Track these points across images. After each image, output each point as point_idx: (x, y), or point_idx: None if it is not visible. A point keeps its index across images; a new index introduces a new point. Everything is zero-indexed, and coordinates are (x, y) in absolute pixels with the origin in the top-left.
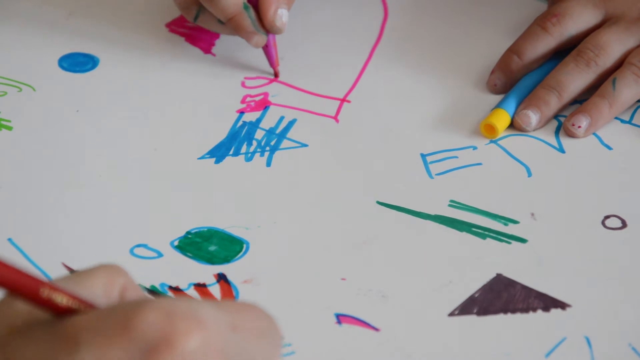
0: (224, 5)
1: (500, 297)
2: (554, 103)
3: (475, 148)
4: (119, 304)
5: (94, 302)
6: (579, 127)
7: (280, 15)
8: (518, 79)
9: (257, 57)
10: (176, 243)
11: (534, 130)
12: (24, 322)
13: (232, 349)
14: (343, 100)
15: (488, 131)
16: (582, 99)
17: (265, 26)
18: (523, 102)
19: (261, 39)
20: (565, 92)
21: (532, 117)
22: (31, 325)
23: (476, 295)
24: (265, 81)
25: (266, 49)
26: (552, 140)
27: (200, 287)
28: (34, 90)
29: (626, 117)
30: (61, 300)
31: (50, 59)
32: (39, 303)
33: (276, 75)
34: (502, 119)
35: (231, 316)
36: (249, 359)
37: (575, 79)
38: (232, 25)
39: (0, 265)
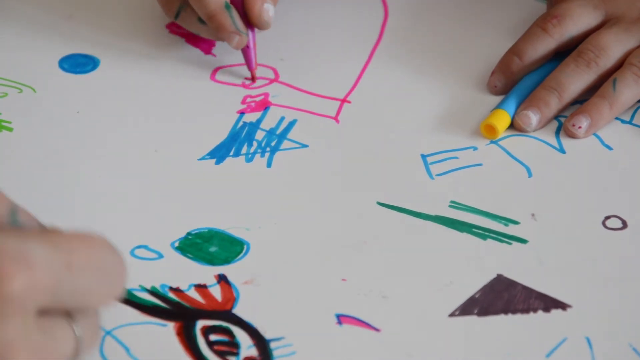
0: (207, 2)
1: (501, 297)
2: (554, 104)
3: (475, 149)
4: None
5: None
6: (580, 127)
7: (267, 10)
8: (518, 80)
9: (258, 57)
10: (177, 244)
11: (534, 131)
12: None
13: (64, 287)
14: (343, 100)
15: (488, 132)
16: (582, 100)
17: (252, 21)
18: (523, 102)
19: (242, 39)
20: (565, 92)
21: (533, 117)
22: None
23: (477, 295)
24: (266, 82)
25: (246, 50)
26: (553, 140)
27: (201, 287)
28: (34, 91)
29: (626, 118)
30: None
31: (50, 60)
32: None
33: (253, 79)
34: (502, 120)
35: (66, 255)
36: (85, 297)
37: (575, 79)
38: (213, 24)
39: None
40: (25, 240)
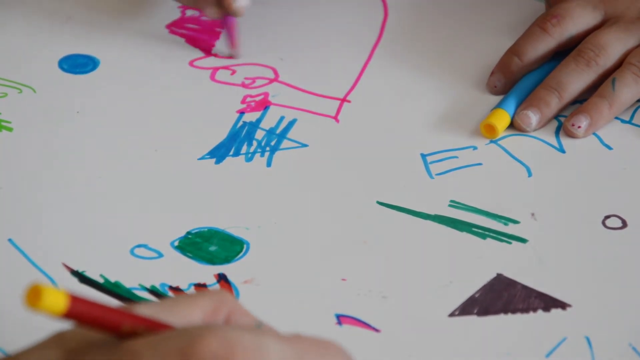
0: None
1: (501, 297)
2: (554, 103)
3: (475, 148)
4: (186, 327)
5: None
6: (579, 127)
7: None
8: (518, 80)
9: (258, 57)
10: (176, 243)
11: (534, 130)
12: (78, 344)
13: None
14: (343, 100)
15: (488, 131)
16: (582, 99)
17: (224, 6)
18: (523, 102)
19: (215, 11)
20: (565, 92)
21: (532, 117)
22: (89, 346)
23: (476, 295)
24: (265, 81)
25: (227, 29)
26: (553, 140)
27: (201, 287)
28: (34, 91)
29: (626, 117)
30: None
31: (50, 60)
32: (112, 333)
33: (234, 56)
34: (502, 119)
35: (299, 353)
36: None
37: (575, 79)
38: None
39: (87, 305)
40: (262, 335)
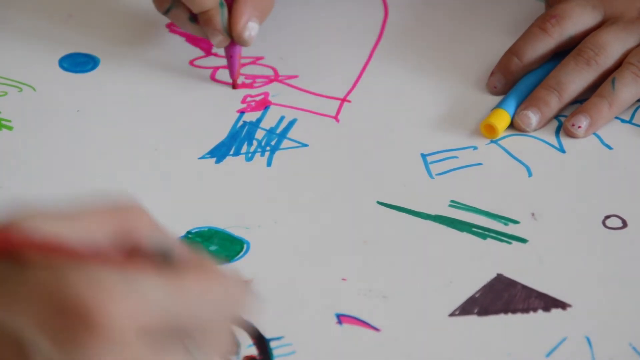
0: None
1: (501, 297)
2: (554, 103)
3: (475, 148)
4: (56, 267)
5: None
6: (579, 127)
7: (250, 28)
8: (518, 80)
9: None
10: None
11: (534, 130)
12: None
13: (172, 320)
14: (343, 100)
15: (488, 131)
16: (582, 99)
17: (233, 36)
18: (523, 102)
19: (224, 40)
20: (565, 92)
21: (532, 117)
22: None
23: (477, 295)
24: (265, 80)
25: (230, 58)
26: (553, 140)
27: None
28: (34, 90)
29: (626, 117)
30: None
31: (50, 59)
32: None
33: (235, 86)
34: (502, 119)
35: (176, 286)
36: (197, 331)
37: (575, 78)
38: (203, 17)
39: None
40: (131, 272)
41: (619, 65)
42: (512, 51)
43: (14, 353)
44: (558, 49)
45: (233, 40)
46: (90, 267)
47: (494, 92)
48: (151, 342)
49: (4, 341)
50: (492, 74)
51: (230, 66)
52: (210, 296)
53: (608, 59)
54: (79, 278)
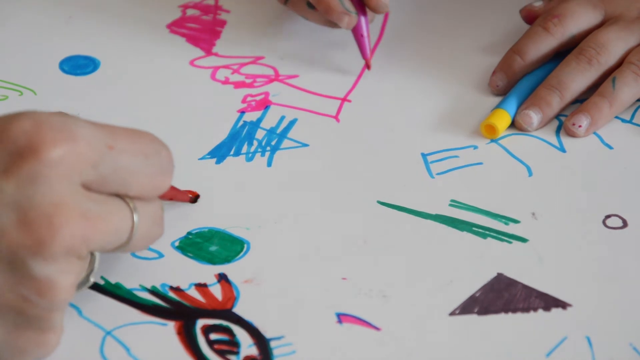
0: None
1: (501, 296)
2: (555, 103)
3: (476, 147)
4: (3, 115)
5: None
6: (580, 126)
7: None
8: (520, 77)
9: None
10: (177, 243)
11: (535, 130)
12: None
13: (106, 164)
14: (344, 99)
15: (489, 131)
16: (582, 99)
17: (370, 5)
18: (525, 102)
19: (352, 19)
20: (567, 91)
21: (534, 117)
22: None
23: (477, 294)
24: (265, 80)
25: (360, 38)
26: (553, 139)
27: (201, 287)
28: (35, 93)
29: (627, 117)
30: None
31: (51, 62)
32: None
33: (368, 67)
34: (502, 119)
35: (110, 136)
36: (129, 178)
37: (576, 77)
38: (321, 6)
39: None
40: (71, 118)
41: (619, 64)
42: (515, 50)
43: None
44: (560, 48)
45: (364, 12)
46: (38, 112)
47: (496, 91)
48: (93, 195)
49: None
50: (494, 73)
51: (363, 46)
52: (138, 145)
53: (609, 58)
54: (25, 120)
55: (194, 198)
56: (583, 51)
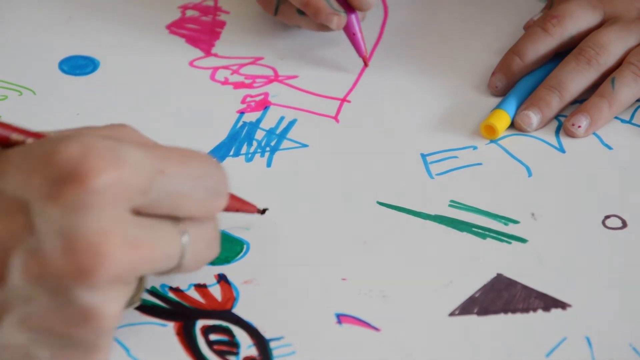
0: None
1: (501, 297)
2: (555, 103)
3: (475, 148)
4: (56, 135)
5: None
6: (579, 127)
7: None
8: (519, 78)
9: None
10: None
11: (534, 131)
12: None
13: (156, 190)
14: (343, 100)
15: (488, 132)
16: (582, 99)
17: (353, 3)
18: (524, 102)
19: (341, 19)
20: (566, 91)
21: (533, 117)
22: None
23: (476, 295)
24: (265, 80)
25: (352, 36)
26: (553, 140)
27: (201, 287)
28: (34, 93)
29: (626, 117)
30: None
31: (50, 62)
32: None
33: (366, 63)
34: (502, 120)
35: (161, 160)
36: (181, 202)
37: (576, 78)
38: (310, 10)
39: None
40: (121, 143)
41: (619, 65)
42: (514, 51)
43: (20, 216)
44: (559, 49)
45: (352, 10)
46: (86, 134)
47: (495, 92)
48: (141, 221)
49: (13, 206)
50: (493, 74)
51: (357, 43)
52: (189, 169)
53: (609, 58)
54: (73, 145)
55: (263, 210)
56: (582, 52)
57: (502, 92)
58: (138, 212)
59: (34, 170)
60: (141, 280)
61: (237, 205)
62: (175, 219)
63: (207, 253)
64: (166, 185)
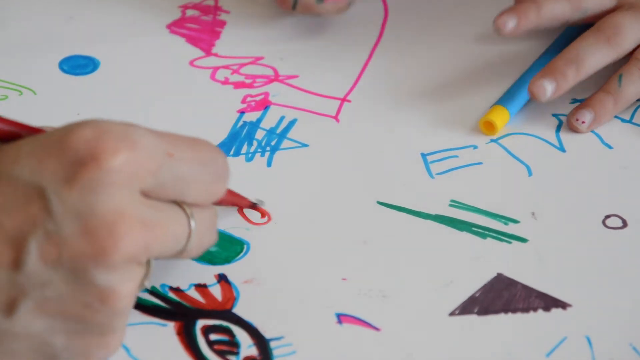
0: None
1: (501, 296)
2: (571, 76)
3: (475, 147)
4: (65, 124)
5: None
6: (583, 122)
7: None
8: (529, 30)
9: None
10: None
11: (547, 101)
12: None
13: (165, 172)
14: (343, 100)
15: (487, 128)
16: (582, 98)
17: None
18: (539, 71)
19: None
20: (583, 66)
21: (548, 87)
22: None
23: (477, 294)
24: (265, 80)
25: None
26: (553, 139)
27: (201, 287)
28: (34, 93)
29: (626, 116)
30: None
31: (50, 61)
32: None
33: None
34: (501, 116)
35: (169, 144)
36: (187, 186)
37: (596, 53)
38: None
39: None
40: (132, 126)
41: (630, 54)
42: (533, 1)
43: (37, 202)
44: (571, 19)
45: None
46: (99, 119)
47: (501, 31)
48: (152, 203)
49: (29, 193)
50: (504, 13)
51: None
52: (197, 154)
53: (625, 41)
54: (86, 129)
55: (255, 204)
56: (601, 29)
57: (508, 34)
58: (147, 195)
59: (49, 156)
60: (148, 264)
61: (232, 198)
62: (181, 204)
63: (209, 238)
64: (175, 169)
